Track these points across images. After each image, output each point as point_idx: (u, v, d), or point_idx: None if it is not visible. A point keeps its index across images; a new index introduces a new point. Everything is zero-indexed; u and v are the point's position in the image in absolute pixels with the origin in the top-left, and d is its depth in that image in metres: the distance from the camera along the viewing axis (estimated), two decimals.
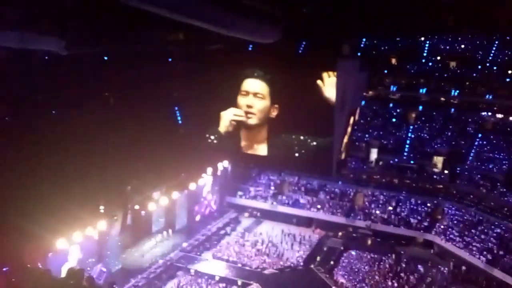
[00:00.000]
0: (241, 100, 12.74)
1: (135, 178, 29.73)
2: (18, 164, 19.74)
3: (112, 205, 29.19)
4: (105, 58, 19.89)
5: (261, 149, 13.92)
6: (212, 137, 14.25)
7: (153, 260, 34.07)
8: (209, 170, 40.95)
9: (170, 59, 16.36)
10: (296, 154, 14.22)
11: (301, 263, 36.72)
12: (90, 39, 10.74)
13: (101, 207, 28.25)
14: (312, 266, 36.52)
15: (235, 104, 13.35)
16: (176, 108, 26.09)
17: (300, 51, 14.68)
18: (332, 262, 36.89)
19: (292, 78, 13.41)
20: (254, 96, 12.56)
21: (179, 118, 25.19)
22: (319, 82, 12.45)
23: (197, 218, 42.85)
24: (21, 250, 21.23)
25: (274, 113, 12.90)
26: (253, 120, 12.59)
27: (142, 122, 24.87)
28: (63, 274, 20.35)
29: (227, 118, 13.07)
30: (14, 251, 20.56)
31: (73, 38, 9.87)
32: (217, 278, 32.97)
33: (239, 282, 32.39)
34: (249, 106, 12.48)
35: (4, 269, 19.60)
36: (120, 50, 15.85)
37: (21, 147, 20.11)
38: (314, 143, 14.01)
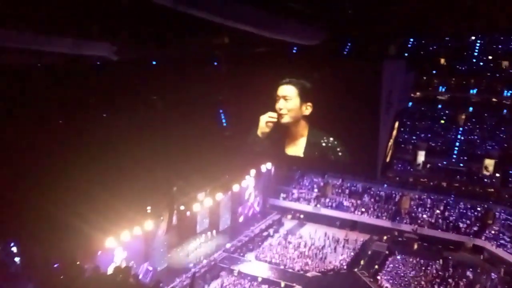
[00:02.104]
0: (276, 104, 13.56)
1: (181, 179, 30.27)
2: (70, 165, 20.54)
3: (159, 205, 29.85)
4: (154, 62, 20.36)
5: (301, 145, 14.39)
6: (252, 140, 14.70)
7: (197, 260, 34.59)
8: (252, 172, 41.17)
9: (215, 63, 16.59)
10: (337, 156, 14.23)
11: (345, 267, 36.30)
12: (140, 44, 11.07)
13: (148, 208, 28.94)
14: (355, 269, 36.03)
15: (274, 107, 13.94)
16: (221, 111, 26.42)
17: (345, 52, 14.56)
18: (376, 266, 36.26)
19: (335, 79, 13.41)
20: (284, 99, 13.35)
21: (224, 120, 25.52)
22: None
23: (241, 219, 43.15)
24: (71, 248, 22.07)
25: (306, 111, 13.53)
26: (285, 119, 13.63)
27: (188, 124, 25.32)
28: (111, 271, 21.02)
29: (263, 121, 13.88)
30: (65, 249, 21.40)
31: (123, 43, 10.21)
32: (259, 279, 33.10)
33: (282, 284, 32.40)
34: (280, 109, 13.38)
35: (55, 265, 20.46)
36: (168, 55, 16.23)
37: (74, 149, 20.90)
38: (358, 144, 13.97)
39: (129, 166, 22.95)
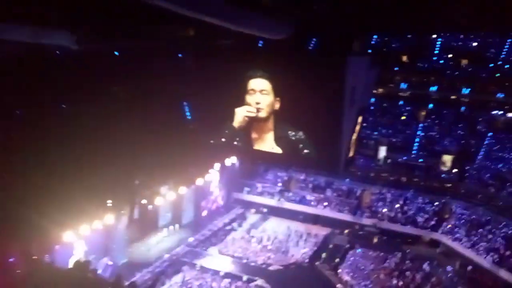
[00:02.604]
0: (250, 98, 13.48)
1: (143, 172, 29.84)
2: (27, 157, 19.88)
3: (120, 199, 29.34)
4: (116, 53, 19.89)
5: (269, 140, 14.41)
6: (226, 132, 14.65)
7: (159, 254, 34.23)
8: (217, 165, 41.01)
9: (180, 55, 16.37)
10: (304, 151, 14.33)
11: (306, 260, 36.72)
12: (101, 34, 10.76)
13: (109, 201, 28.40)
14: (317, 263, 36.53)
15: (243, 100, 13.83)
16: (185, 104, 26.19)
17: (310, 47, 14.63)
18: (337, 260, 36.85)
19: (300, 74, 13.45)
20: (260, 93, 13.27)
21: (188, 113, 25.29)
22: None
23: (204, 213, 42.96)
24: (27, 242, 21.43)
25: (277, 106, 13.60)
26: (263, 114, 13.60)
27: (151, 117, 24.95)
28: (70, 266, 20.55)
29: (241, 114, 13.79)
30: (21, 243, 20.76)
31: (84, 33, 9.88)
32: (222, 273, 33.05)
33: (244, 278, 32.45)
34: (257, 103, 13.34)
35: (10, 260, 19.80)
36: (131, 46, 15.88)
37: (31, 141, 20.24)
38: (321, 140, 14.09)
39: (89, 158, 22.43)
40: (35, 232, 21.82)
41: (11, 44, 12.15)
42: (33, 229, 21.35)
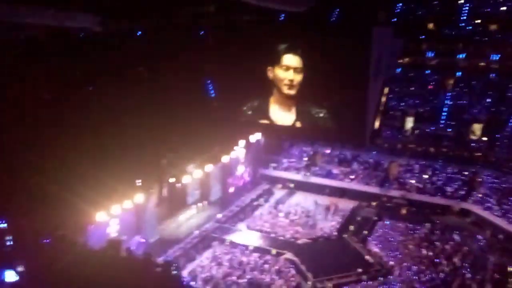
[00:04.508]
0: (282, 73, 13.55)
1: (170, 152, 30.17)
2: (59, 140, 20.31)
3: (149, 178, 29.82)
4: (139, 33, 19.97)
5: (293, 114, 14.54)
6: (246, 109, 14.81)
7: (189, 231, 34.86)
8: (242, 142, 41.12)
9: (202, 32, 16.32)
10: (328, 123, 14.35)
11: (335, 233, 36.82)
12: (124, 14, 10.79)
13: (138, 181, 28.91)
14: (345, 236, 36.58)
15: (265, 75, 13.82)
16: (209, 82, 26.26)
17: (333, 19, 14.40)
18: (365, 232, 36.82)
19: (324, 47, 13.33)
20: (294, 70, 13.29)
21: (212, 91, 25.43)
22: None
23: (231, 190, 43.36)
24: (62, 222, 22.09)
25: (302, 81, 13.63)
26: (294, 91, 13.61)
27: (176, 96, 25.05)
28: (103, 245, 21.12)
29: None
30: (56, 223, 21.40)
31: (107, 14, 9.93)
32: (251, 248, 33.45)
33: (273, 252, 32.78)
34: (291, 80, 13.39)
35: (46, 240, 20.46)
36: (153, 25, 15.90)
37: (62, 124, 20.67)
38: (346, 113, 14.04)
39: (118, 139, 22.81)
40: (69, 212, 22.44)
41: (36, 27, 12.32)
42: (67, 209, 21.95)
